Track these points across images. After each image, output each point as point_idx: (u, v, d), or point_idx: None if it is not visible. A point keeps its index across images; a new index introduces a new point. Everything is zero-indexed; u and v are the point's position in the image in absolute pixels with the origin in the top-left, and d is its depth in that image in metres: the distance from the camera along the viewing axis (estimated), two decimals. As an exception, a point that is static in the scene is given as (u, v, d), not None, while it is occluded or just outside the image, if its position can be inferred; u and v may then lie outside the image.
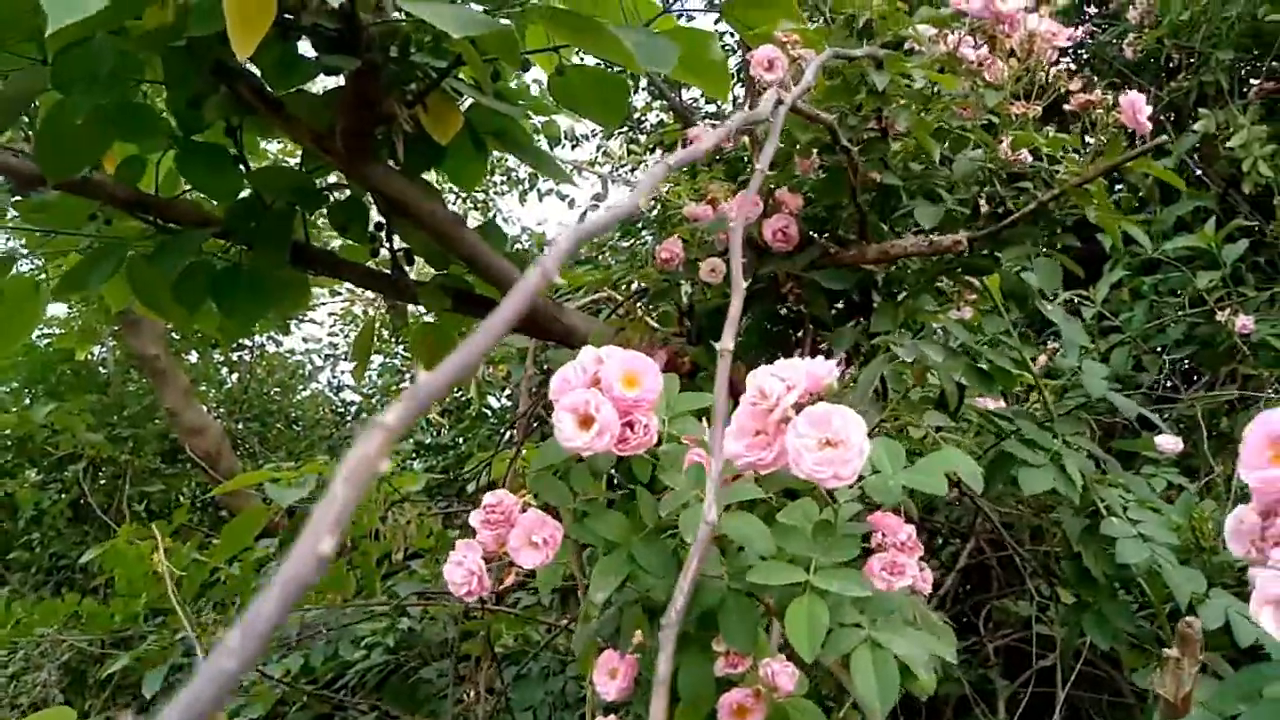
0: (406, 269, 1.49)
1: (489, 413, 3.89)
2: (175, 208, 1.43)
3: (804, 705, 0.77)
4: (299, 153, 1.53)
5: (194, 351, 4.61)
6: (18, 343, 1.55)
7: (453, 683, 1.96)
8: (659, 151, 4.35)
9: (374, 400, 4.71)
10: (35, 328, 1.66)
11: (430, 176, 1.63)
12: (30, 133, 1.52)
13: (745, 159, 1.66)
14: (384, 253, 1.50)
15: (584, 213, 3.65)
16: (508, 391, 3.65)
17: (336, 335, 5.14)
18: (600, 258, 3.04)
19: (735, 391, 0.74)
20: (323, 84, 1.41)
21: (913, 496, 0.95)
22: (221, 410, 4.73)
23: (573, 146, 4.65)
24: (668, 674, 0.34)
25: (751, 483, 0.70)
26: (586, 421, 0.70)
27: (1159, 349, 2.51)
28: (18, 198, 1.47)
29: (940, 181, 1.14)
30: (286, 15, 1.19)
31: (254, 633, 0.16)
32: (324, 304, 4.80)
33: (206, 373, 4.71)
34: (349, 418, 4.95)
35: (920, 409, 1.21)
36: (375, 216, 1.50)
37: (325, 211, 1.50)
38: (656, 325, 1.52)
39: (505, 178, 4.83)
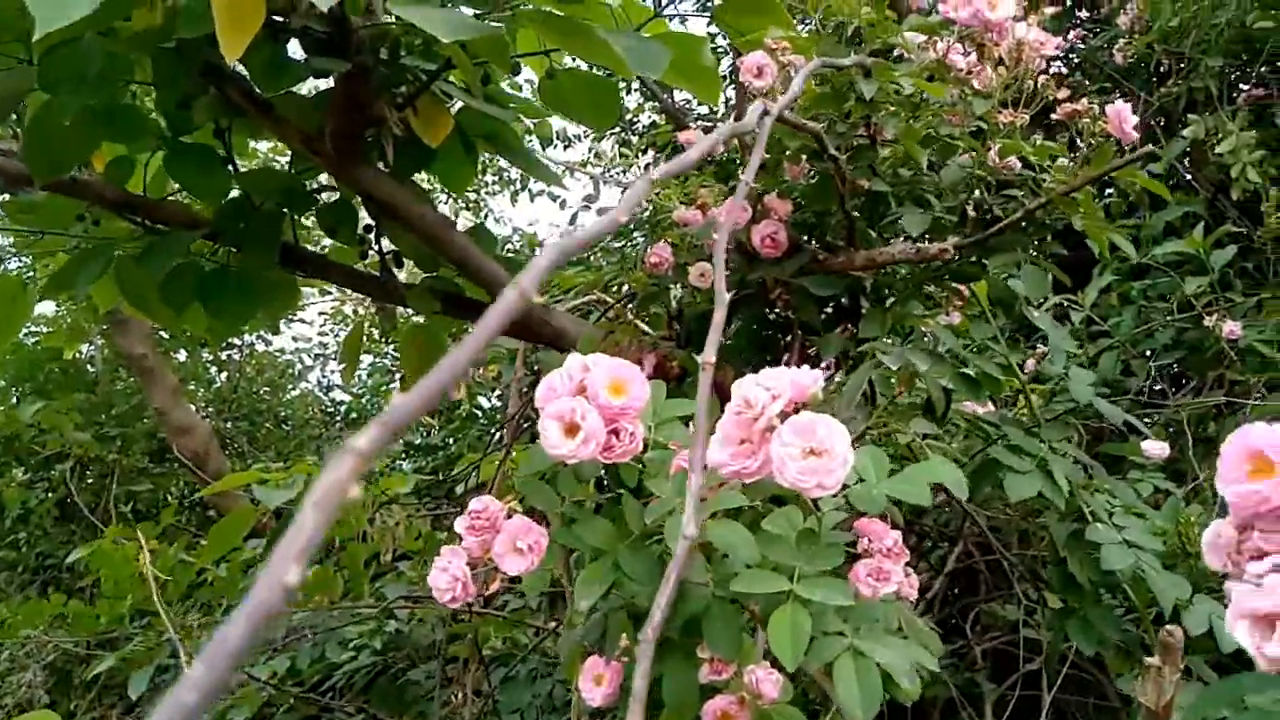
0: (395, 271, 1.49)
1: (479, 413, 3.89)
2: (163, 209, 1.43)
3: (788, 712, 0.77)
4: (288, 153, 1.53)
5: (183, 350, 4.59)
6: (5, 342, 1.54)
7: (440, 685, 1.96)
8: (651, 153, 4.36)
9: (364, 400, 4.70)
10: (23, 326, 1.65)
11: (420, 177, 1.63)
12: (18, 132, 1.51)
13: (737, 161, 1.67)
14: (373, 255, 1.50)
15: (575, 214, 3.65)
16: (498, 392, 3.64)
17: (326, 335, 5.13)
18: (592, 259, 3.03)
19: (724, 396, 0.74)
20: (312, 86, 1.41)
21: (899, 505, 0.95)
22: (210, 409, 4.71)
23: (565, 147, 4.65)
24: (644, 689, 0.34)
25: (737, 490, 0.70)
26: (572, 429, 0.70)
27: (1147, 353, 2.52)
28: (5, 197, 1.46)
29: (929, 188, 1.15)
30: (276, 17, 1.19)
31: (218, 664, 0.16)
32: (314, 303, 4.79)
33: (195, 371, 4.70)
34: (339, 418, 4.93)
35: (908, 415, 1.21)
36: (365, 218, 1.50)
37: (314, 213, 1.49)
38: (646, 329, 1.52)
39: (497, 178, 4.83)
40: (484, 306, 0.98)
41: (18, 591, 3.69)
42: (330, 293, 4.62)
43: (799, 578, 0.65)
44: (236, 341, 4.76)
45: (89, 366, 4.60)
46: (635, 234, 2.38)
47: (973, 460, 1.35)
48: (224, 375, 4.97)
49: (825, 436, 0.60)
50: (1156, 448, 1.61)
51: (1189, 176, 2.99)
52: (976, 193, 1.09)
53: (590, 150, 4.63)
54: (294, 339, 5.32)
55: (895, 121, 1.01)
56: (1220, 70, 2.67)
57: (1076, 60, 3.50)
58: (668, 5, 1.41)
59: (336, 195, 1.50)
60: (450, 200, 4.44)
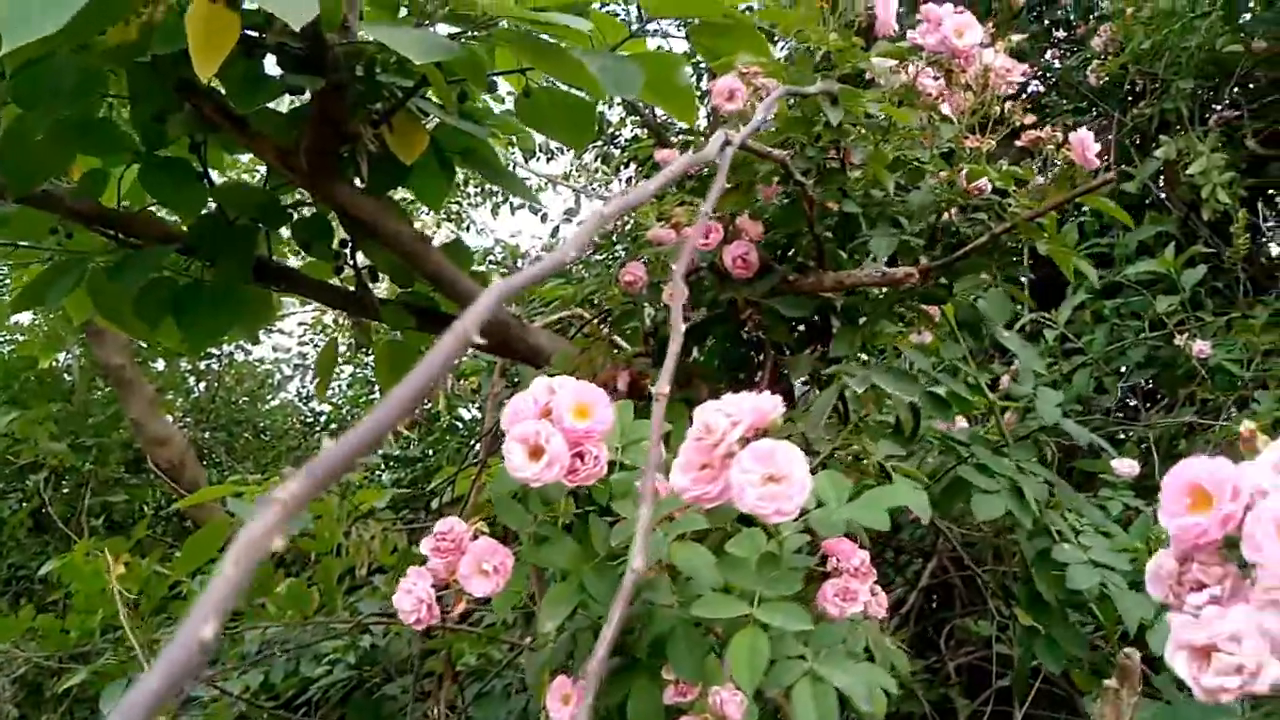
0: (370, 286, 1.49)
1: (459, 425, 3.88)
2: (137, 223, 1.42)
3: (753, 733, 0.77)
4: (264, 166, 1.53)
5: (160, 360, 4.56)
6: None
7: (415, 699, 1.95)
8: (633, 166, 4.37)
9: (344, 411, 4.68)
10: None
11: (400, 191, 1.64)
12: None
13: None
14: (348, 270, 1.50)
15: (556, 227, 3.65)
16: (479, 403, 3.64)
17: (306, 345, 5.11)
18: (574, 271, 3.04)
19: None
20: (289, 101, 1.41)
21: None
22: (188, 419, 4.68)
23: (548, 159, 4.65)
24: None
25: (700, 513, 0.71)
26: (536, 452, 0.70)
27: (1121, 370, 2.55)
28: (-23, 210, 1.45)
29: (900, 210, 1.16)
30: (252, 33, 1.19)
31: (132, 717, 0.17)
32: (294, 314, 4.77)
33: (173, 381, 4.66)
34: (318, 428, 4.91)
35: (879, 432, 1.22)
36: (340, 234, 1.50)
37: (290, 228, 1.49)
38: (624, 344, 1.53)
39: (479, 189, 4.83)
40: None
41: (-10, 603, 3.64)
42: (310, 303, 4.61)
43: (759, 602, 0.66)
44: (215, 351, 4.73)
45: (66, 375, 4.56)
46: (617, 246, 2.38)
47: (945, 477, 1.36)
48: (202, 385, 4.94)
49: (784, 463, 0.61)
50: (1126, 466, 1.63)
51: (1162, 196, 3.03)
52: (945, 216, 1.10)
53: (573, 163, 4.64)
54: (274, 349, 5.30)
55: (864, 146, 1.02)
56: (1192, 92, 2.71)
57: (1053, 80, 3.55)
58: (647, 23, 1.42)
59: (312, 210, 1.50)
60: (431, 211, 4.43)
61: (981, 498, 1.15)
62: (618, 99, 4.12)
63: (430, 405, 3.64)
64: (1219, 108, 2.97)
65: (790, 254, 1.21)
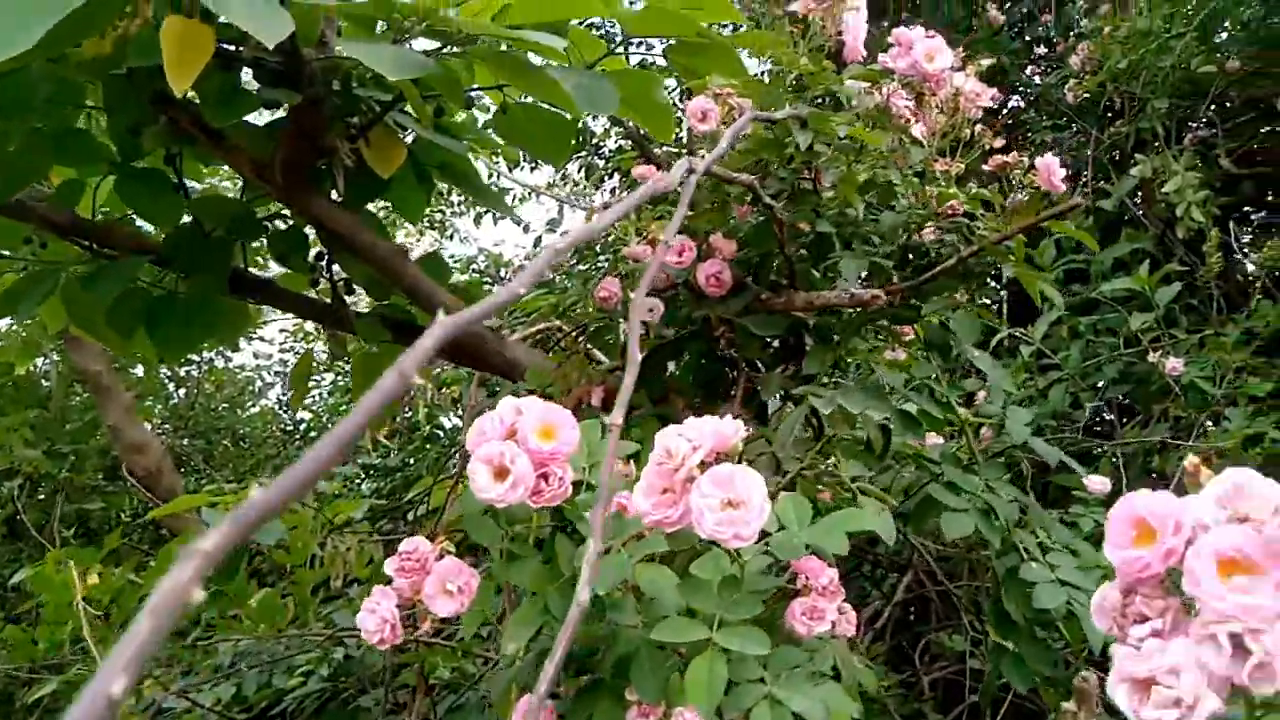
0: (346, 299, 1.49)
1: (441, 434, 3.86)
2: (112, 233, 1.42)
3: (715, 754, 0.78)
4: (240, 178, 1.53)
5: (140, 366, 4.53)
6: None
7: (389, 712, 1.94)
8: (616, 177, 4.38)
9: (324, 419, 4.66)
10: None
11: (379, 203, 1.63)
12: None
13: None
14: (324, 282, 1.49)
15: (539, 237, 3.65)
16: (460, 412, 3.63)
17: (287, 352, 5.08)
18: (556, 280, 3.04)
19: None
20: (266, 114, 1.41)
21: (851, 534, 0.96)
22: (167, 426, 4.64)
23: (531, 169, 4.66)
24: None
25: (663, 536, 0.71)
26: (501, 473, 0.70)
27: (1098, 385, 2.57)
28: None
29: (872, 229, 1.17)
30: (228, 46, 1.19)
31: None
32: (275, 320, 4.75)
33: (152, 387, 4.63)
34: (298, 436, 4.88)
35: (852, 450, 1.23)
36: (317, 246, 1.50)
37: (266, 240, 1.49)
38: (603, 357, 1.53)
39: (463, 198, 4.83)
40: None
41: (-38, 611, 3.60)
42: (292, 310, 4.58)
43: (719, 625, 0.66)
44: (195, 358, 4.70)
45: (43, 381, 4.52)
46: (600, 256, 2.39)
47: (918, 494, 1.37)
48: (182, 391, 4.91)
49: (743, 488, 0.61)
50: (1098, 483, 1.65)
51: (1141, 212, 3.07)
52: (914, 237, 1.11)
53: (557, 173, 4.64)
54: (255, 355, 5.27)
55: (835, 168, 1.03)
56: (1167, 111, 2.75)
57: (1033, 95, 3.59)
58: (624, 41, 1.42)
59: (289, 222, 1.49)
60: (415, 220, 4.42)
61: (951, 516, 1.16)
62: (602, 110, 4.12)
63: (410, 414, 3.63)
64: (1195, 126, 3.00)
65: (764, 272, 1.22)
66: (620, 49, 1.41)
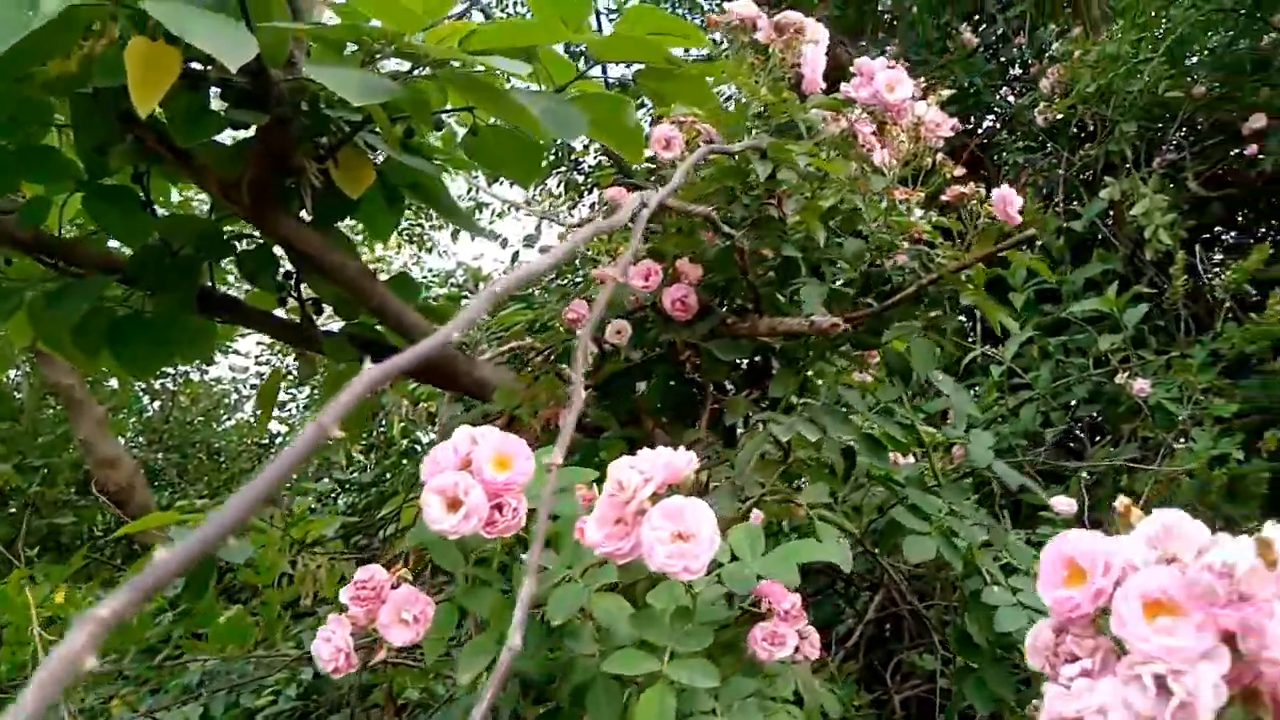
0: (315, 319, 1.48)
1: (418, 448, 3.85)
2: (78, 251, 1.41)
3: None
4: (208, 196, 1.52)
5: (114, 379, 4.49)
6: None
7: (357, 732, 1.93)
8: (596, 192, 4.38)
9: (299, 432, 4.62)
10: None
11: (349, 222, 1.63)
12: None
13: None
14: (293, 301, 1.49)
15: (516, 253, 3.65)
16: (435, 427, 3.61)
17: (264, 365, 5.04)
18: (535, 294, 3.03)
19: (651, 446, 0.75)
20: (235, 134, 1.40)
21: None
22: (141, 440, 4.60)
23: (511, 184, 4.65)
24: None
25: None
26: (455, 504, 0.70)
27: (1068, 405, 2.59)
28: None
29: (836, 254, 1.18)
30: (196, 66, 1.19)
31: None
32: (250, 334, 4.72)
33: (126, 400, 4.59)
34: (273, 450, 4.85)
35: (819, 473, 1.24)
36: (286, 265, 1.50)
37: (234, 259, 1.48)
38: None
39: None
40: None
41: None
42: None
43: (671, 657, 0.67)
44: (170, 371, 4.67)
45: (15, 394, 4.47)
46: (580, 271, 2.38)
47: (885, 515, 1.38)
48: (156, 404, 4.86)
49: (693, 521, 0.62)
50: (1065, 504, 1.66)
51: (1111, 233, 3.10)
52: (878, 263, 1.12)
53: (536, 188, 4.64)
54: (230, 369, 5.23)
55: (797, 198, 1.04)
56: (1137, 134, 2.79)
57: (1007, 116, 3.63)
58: (592, 66, 1.43)
59: (257, 241, 1.49)
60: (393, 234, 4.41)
61: (914, 539, 1.16)
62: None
63: (384, 428, 3.61)
64: (1164, 149, 3.05)
65: (730, 297, 1.22)
66: (595, 70, 1.42)
